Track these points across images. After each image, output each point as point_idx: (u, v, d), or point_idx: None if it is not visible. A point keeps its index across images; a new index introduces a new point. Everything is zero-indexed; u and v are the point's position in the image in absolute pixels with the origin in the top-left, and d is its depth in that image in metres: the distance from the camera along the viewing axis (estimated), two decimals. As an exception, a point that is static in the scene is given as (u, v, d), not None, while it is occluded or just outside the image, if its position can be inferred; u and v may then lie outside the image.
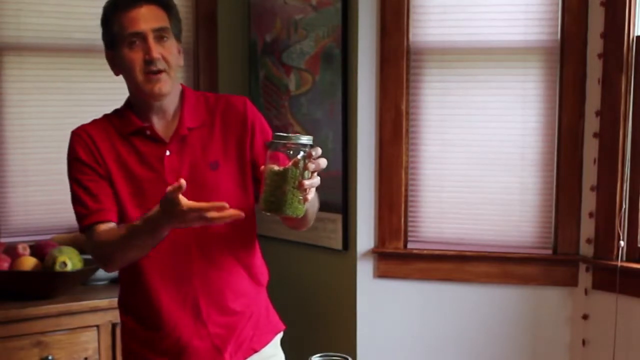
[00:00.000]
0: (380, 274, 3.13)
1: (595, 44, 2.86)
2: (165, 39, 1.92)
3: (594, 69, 2.87)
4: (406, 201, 3.10)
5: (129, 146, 1.97)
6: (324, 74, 3.16)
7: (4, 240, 2.95)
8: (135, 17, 1.90)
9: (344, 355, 1.66)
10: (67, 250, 2.75)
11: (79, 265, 2.74)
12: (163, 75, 1.92)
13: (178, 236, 1.89)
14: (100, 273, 2.89)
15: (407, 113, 3.07)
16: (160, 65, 1.91)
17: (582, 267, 2.94)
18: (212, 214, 1.69)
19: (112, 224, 1.93)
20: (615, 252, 2.84)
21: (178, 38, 1.99)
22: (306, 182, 1.68)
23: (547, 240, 3.00)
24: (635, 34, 2.80)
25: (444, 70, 3.07)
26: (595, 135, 2.88)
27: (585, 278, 2.94)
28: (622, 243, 2.83)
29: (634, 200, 2.83)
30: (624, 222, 2.84)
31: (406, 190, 3.09)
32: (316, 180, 1.71)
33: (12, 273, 2.71)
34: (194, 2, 3.35)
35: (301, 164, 1.67)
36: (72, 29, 3.14)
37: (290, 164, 1.67)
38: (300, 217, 1.74)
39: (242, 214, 1.71)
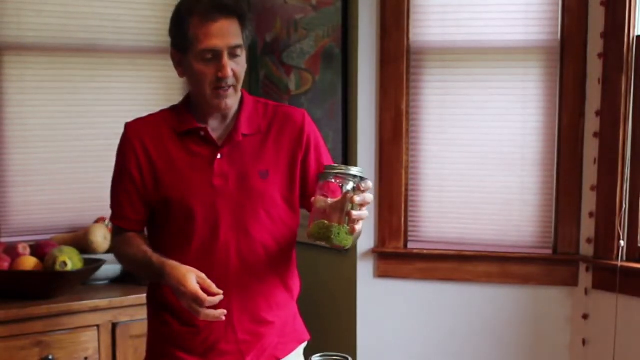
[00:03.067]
0: (380, 274, 3.13)
1: (595, 44, 2.86)
2: (238, 55, 1.90)
3: (594, 69, 2.87)
4: (406, 201, 3.10)
5: (180, 145, 1.95)
6: (324, 74, 3.16)
7: (4, 240, 2.95)
8: (212, 32, 1.85)
9: (344, 355, 1.66)
10: (67, 250, 2.75)
11: (79, 265, 2.74)
12: (231, 91, 1.91)
13: (220, 240, 1.89)
14: (100, 273, 2.89)
15: (407, 113, 3.07)
16: (231, 81, 1.89)
17: (582, 267, 2.94)
18: (200, 309, 1.76)
19: (133, 233, 1.99)
20: (615, 252, 2.84)
21: (247, 47, 1.97)
22: (354, 214, 1.72)
23: (547, 240, 3.00)
24: (635, 34, 2.80)
25: (444, 70, 3.07)
26: (595, 135, 2.88)
27: (585, 278, 2.94)
28: (622, 243, 2.83)
29: (634, 200, 2.83)
30: (624, 222, 2.84)
31: (406, 190, 3.09)
32: (365, 212, 1.75)
33: (12, 273, 2.71)
34: (194, 2, 3.35)
35: (350, 196, 1.71)
36: (73, 28, 3.14)
37: (340, 196, 1.71)
38: (347, 247, 1.77)
39: (223, 318, 1.79)
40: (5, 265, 2.74)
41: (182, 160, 1.94)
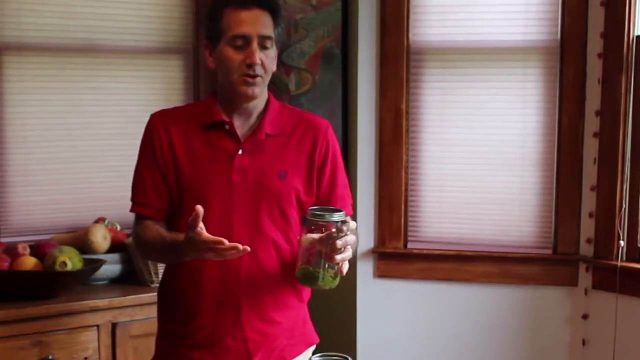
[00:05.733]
0: (380, 274, 3.13)
1: (595, 44, 2.86)
2: (268, 46, 1.94)
3: (594, 68, 2.87)
4: (406, 201, 3.10)
5: (203, 137, 1.97)
6: (324, 74, 3.16)
7: (4, 240, 2.95)
8: (244, 19, 1.90)
9: (344, 355, 1.66)
10: (67, 250, 2.75)
11: (79, 265, 2.74)
12: (258, 80, 1.93)
13: (233, 235, 1.88)
14: (100, 273, 2.88)
15: (407, 113, 3.07)
16: (259, 70, 1.92)
17: (582, 267, 2.94)
18: (223, 250, 1.72)
19: (152, 221, 1.98)
20: (615, 252, 2.84)
21: (277, 45, 2.00)
22: (337, 257, 1.74)
23: (547, 240, 3.00)
24: (635, 34, 2.80)
25: (444, 70, 3.07)
26: (595, 135, 2.88)
27: (585, 278, 2.94)
28: (622, 243, 2.83)
29: (634, 200, 2.83)
30: (624, 222, 2.84)
31: (406, 190, 3.09)
32: (347, 254, 1.77)
33: (12, 273, 2.71)
34: (194, 2, 3.35)
35: (332, 241, 1.72)
36: (73, 28, 3.13)
37: (318, 243, 1.74)
38: (334, 286, 1.79)
39: (247, 249, 1.73)
40: (5, 265, 2.74)
41: (203, 152, 1.96)
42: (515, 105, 3.01)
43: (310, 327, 2.14)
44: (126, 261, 2.96)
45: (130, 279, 2.95)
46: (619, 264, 2.80)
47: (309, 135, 2.02)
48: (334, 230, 1.73)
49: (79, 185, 3.18)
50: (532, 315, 3.01)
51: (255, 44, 1.90)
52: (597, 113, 2.87)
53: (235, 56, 1.91)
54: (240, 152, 1.95)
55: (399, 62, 3.04)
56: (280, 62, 3.31)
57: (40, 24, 3.08)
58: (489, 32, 2.99)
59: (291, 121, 2.03)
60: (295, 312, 2.06)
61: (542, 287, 3.00)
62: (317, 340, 2.15)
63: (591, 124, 2.89)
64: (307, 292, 2.10)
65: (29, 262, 2.74)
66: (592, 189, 2.90)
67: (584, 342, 2.95)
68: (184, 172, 1.95)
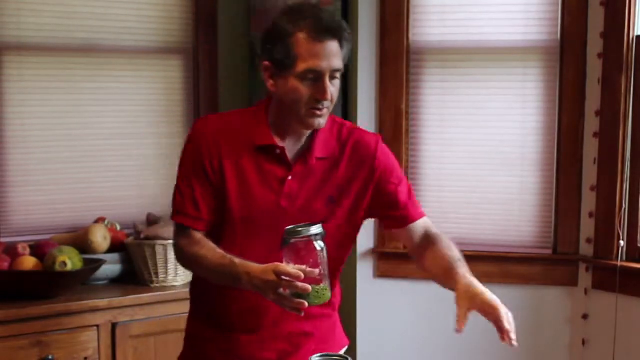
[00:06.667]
0: (380, 274, 3.13)
1: (595, 44, 2.86)
2: (337, 78, 1.85)
3: (594, 69, 2.87)
4: (406, 201, 3.09)
5: (253, 160, 1.88)
6: (324, 74, 3.16)
7: (4, 240, 2.95)
8: (319, 53, 1.78)
9: (344, 355, 1.66)
10: (67, 250, 2.75)
11: (79, 265, 2.74)
12: (325, 111, 1.86)
13: (272, 257, 1.77)
14: (100, 273, 2.88)
15: (407, 113, 3.07)
16: (326, 103, 1.84)
17: (582, 267, 2.94)
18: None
19: (201, 234, 1.90)
20: (615, 252, 2.84)
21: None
22: (299, 285, 1.65)
23: (547, 240, 3.00)
24: (635, 34, 2.80)
25: (443, 70, 3.07)
26: (595, 135, 2.88)
27: (585, 278, 2.94)
28: (622, 243, 2.83)
29: (634, 200, 2.83)
30: (624, 222, 2.84)
31: (406, 190, 3.09)
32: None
33: (12, 273, 2.71)
34: (194, 2, 3.35)
35: (321, 255, 1.68)
36: (73, 28, 3.13)
37: (308, 257, 1.68)
38: (328, 299, 1.73)
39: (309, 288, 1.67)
40: (5, 265, 2.74)
41: (253, 175, 1.88)
42: (515, 105, 3.01)
43: (340, 330, 2.11)
44: (126, 261, 2.96)
45: (130, 279, 2.95)
46: (619, 264, 2.80)
47: (359, 157, 1.94)
48: (319, 245, 1.68)
49: (79, 185, 3.18)
50: (532, 315, 3.01)
51: (327, 79, 1.81)
52: (597, 113, 2.87)
53: (305, 91, 1.81)
54: (290, 177, 1.88)
55: (399, 62, 3.04)
56: (280, 62, 3.31)
57: (40, 24, 3.08)
58: (489, 32, 2.99)
59: (341, 140, 1.94)
60: (327, 321, 2.03)
61: (542, 287, 3.00)
62: (347, 342, 2.12)
63: (591, 124, 2.89)
64: (337, 300, 2.07)
65: (29, 262, 2.74)
66: (592, 189, 2.90)
67: (584, 342, 2.95)
68: (231, 195, 1.87)
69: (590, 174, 2.90)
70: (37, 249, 2.84)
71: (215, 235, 1.91)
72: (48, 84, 3.13)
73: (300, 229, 1.69)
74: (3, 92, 3.04)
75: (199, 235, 1.90)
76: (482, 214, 3.05)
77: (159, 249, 2.86)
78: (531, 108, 2.99)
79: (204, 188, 1.88)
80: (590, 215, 2.91)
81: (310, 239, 1.69)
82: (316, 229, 1.69)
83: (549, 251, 2.99)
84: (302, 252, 1.68)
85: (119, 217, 3.12)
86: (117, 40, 3.21)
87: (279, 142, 1.89)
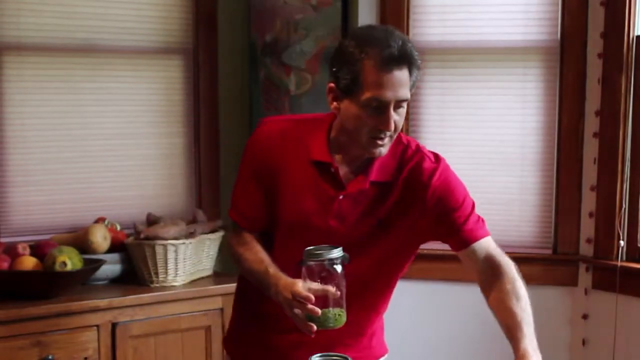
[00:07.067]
0: (380, 273, 3.12)
1: (595, 44, 2.86)
2: (403, 106, 1.78)
3: (594, 69, 2.87)
4: (406, 201, 3.09)
5: (309, 172, 1.85)
6: (324, 74, 3.16)
7: (4, 240, 2.95)
8: (385, 83, 1.72)
9: (344, 355, 1.66)
10: (67, 250, 2.75)
11: (79, 265, 2.73)
12: (387, 140, 1.79)
13: None
14: (100, 273, 2.88)
15: (407, 113, 3.06)
16: (389, 133, 1.78)
17: (582, 266, 2.94)
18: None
19: (252, 236, 1.91)
20: (615, 252, 2.84)
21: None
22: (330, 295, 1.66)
23: (547, 240, 3.00)
24: (635, 34, 2.80)
25: (444, 70, 3.07)
26: (595, 135, 2.88)
27: (585, 278, 2.94)
28: (622, 243, 2.83)
29: (634, 200, 2.83)
30: (624, 222, 2.84)
31: (406, 190, 3.09)
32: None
33: (12, 273, 2.71)
34: (194, 2, 3.35)
35: (338, 281, 1.67)
36: (72, 28, 3.13)
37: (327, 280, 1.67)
38: (342, 324, 1.72)
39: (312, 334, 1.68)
40: (5, 265, 2.73)
41: (305, 187, 1.85)
42: (515, 105, 3.01)
43: (378, 339, 2.08)
44: (126, 261, 2.96)
45: (130, 279, 2.95)
46: (619, 263, 2.80)
47: (414, 183, 1.87)
48: (339, 268, 1.68)
49: (79, 185, 3.18)
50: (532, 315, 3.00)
51: (391, 110, 1.74)
52: (597, 113, 2.87)
53: (368, 119, 1.75)
54: (341, 197, 1.83)
55: (399, 62, 3.04)
56: (280, 63, 3.31)
57: (40, 24, 3.08)
58: (489, 32, 2.99)
59: (400, 163, 1.88)
60: (369, 331, 2.02)
61: (542, 287, 2.99)
62: (387, 350, 2.09)
63: (591, 124, 2.89)
64: (385, 309, 2.06)
65: (29, 262, 2.74)
66: (592, 189, 2.90)
67: (584, 342, 2.95)
68: (282, 202, 1.86)
69: (590, 174, 2.90)
70: (37, 249, 2.84)
71: (270, 238, 1.91)
72: (48, 84, 3.13)
73: (319, 251, 1.67)
74: (3, 92, 3.04)
75: (248, 237, 1.91)
76: (482, 214, 3.04)
77: (159, 249, 2.86)
78: (531, 108, 2.99)
79: (258, 190, 1.89)
80: (590, 215, 2.91)
81: (328, 263, 1.67)
82: (336, 253, 1.68)
83: (549, 251, 2.99)
84: (319, 275, 1.67)
85: (119, 217, 3.12)
86: (117, 40, 3.21)
87: (335, 160, 1.85)
